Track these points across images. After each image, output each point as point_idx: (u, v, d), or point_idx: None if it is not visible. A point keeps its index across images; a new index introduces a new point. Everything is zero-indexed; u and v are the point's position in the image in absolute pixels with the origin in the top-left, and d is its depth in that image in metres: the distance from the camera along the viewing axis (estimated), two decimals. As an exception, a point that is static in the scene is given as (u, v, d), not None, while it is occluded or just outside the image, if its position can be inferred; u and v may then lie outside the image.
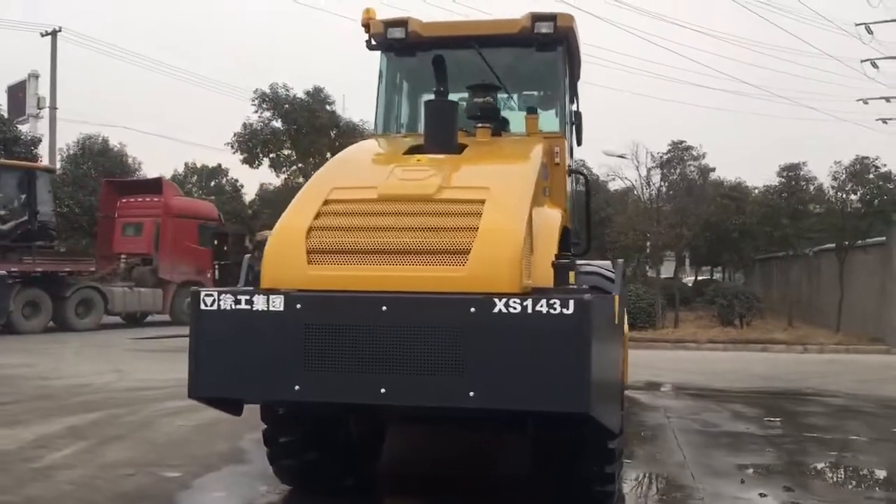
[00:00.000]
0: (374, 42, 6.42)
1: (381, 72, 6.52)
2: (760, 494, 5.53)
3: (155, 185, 23.40)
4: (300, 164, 26.54)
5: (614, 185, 27.26)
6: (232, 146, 25.96)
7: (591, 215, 6.98)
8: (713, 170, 24.25)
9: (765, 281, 29.13)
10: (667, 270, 30.38)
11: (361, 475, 5.55)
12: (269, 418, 4.97)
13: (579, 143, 7.05)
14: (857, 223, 18.36)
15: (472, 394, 3.64)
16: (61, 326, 19.44)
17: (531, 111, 6.10)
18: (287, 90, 25.90)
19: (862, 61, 33.26)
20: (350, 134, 25.93)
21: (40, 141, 29.82)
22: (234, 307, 3.89)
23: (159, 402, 8.93)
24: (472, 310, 3.65)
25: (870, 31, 32.69)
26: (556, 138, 6.04)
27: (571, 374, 3.54)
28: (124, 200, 23.26)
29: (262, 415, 4.97)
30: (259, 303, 3.86)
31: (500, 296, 3.64)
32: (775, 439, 7.49)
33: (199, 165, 41.04)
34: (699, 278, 34.65)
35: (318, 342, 3.78)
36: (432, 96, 5.20)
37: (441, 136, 4.90)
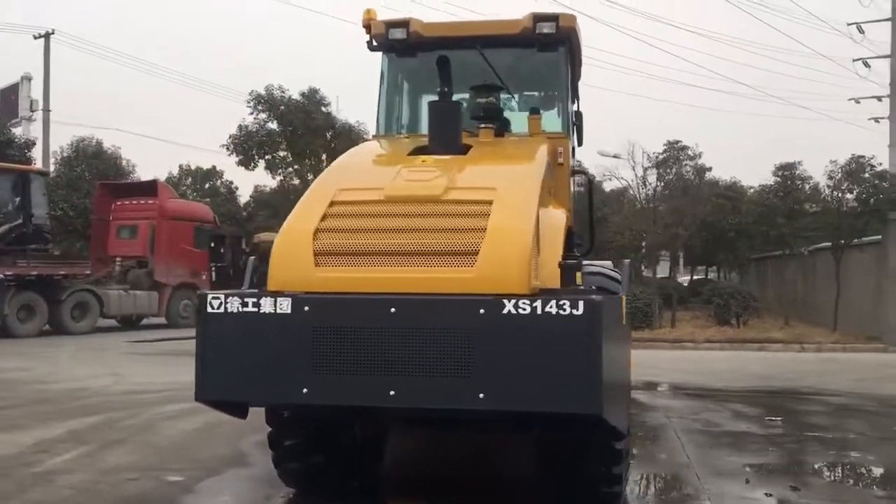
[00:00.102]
0: (375, 43, 6.40)
1: (382, 73, 6.50)
2: (766, 494, 5.52)
3: (150, 188, 23.31)
4: (296, 166, 26.47)
5: (610, 186, 27.30)
6: (227, 148, 25.90)
7: (594, 216, 6.96)
8: (709, 169, 24.33)
9: (760, 280, 29.18)
10: (661, 270, 30.42)
11: (366, 477, 5.53)
12: (274, 421, 4.94)
13: (580, 144, 7.04)
14: (853, 222, 18.38)
15: (481, 395, 3.62)
16: (56, 330, 19.36)
17: (534, 111, 6.08)
18: (282, 92, 25.84)
19: (854, 60, 33.45)
20: (346, 135, 25.89)
21: (34, 144, 29.75)
22: (241, 310, 3.86)
23: (159, 405, 8.89)
24: (482, 311, 3.63)
25: (861, 31, 32.86)
26: (559, 138, 6.02)
27: (583, 375, 3.52)
28: (119, 203, 23.16)
29: (266, 418, 4.94)
30: (266, 305, 3.84)
31: (510, 297, 3.63)
32: (777, 439, 7.49)
33: (193, 167, 40.95)
34: (694, 278, 34.69)
35: (327, 345, 3.75)
36: (434, 97, 5.18)
37: (446, 137, 4.88)
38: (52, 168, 29.37)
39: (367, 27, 6.34)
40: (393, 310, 3.71)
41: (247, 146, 25.68)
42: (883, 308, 17.29)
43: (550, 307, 3.56)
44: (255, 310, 3.85)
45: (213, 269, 15.34)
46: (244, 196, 37.35)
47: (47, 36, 32.66)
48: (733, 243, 25.43)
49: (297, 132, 25.38)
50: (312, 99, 25.99)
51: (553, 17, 6.03)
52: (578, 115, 6.86)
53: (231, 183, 39.35)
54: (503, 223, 3.95)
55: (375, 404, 3.84)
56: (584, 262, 5.18)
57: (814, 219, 20.12)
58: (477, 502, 5.46)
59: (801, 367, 13.83)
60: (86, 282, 20.53)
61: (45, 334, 18.94)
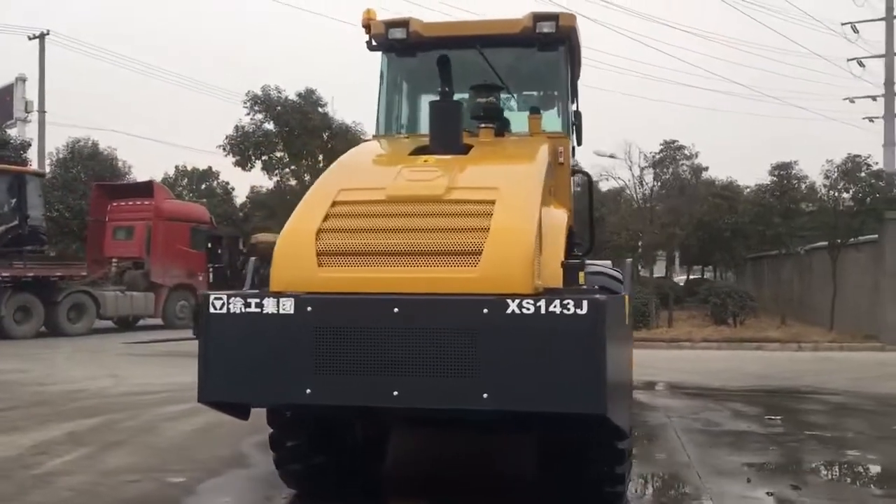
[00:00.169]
0: (374, 43, 6.38)
1: (381, 73, 6.48)
2: (768, 493, 5.52)
3: (146, 189, 23.28)
4: (293, 167, 26.43)
5: (607, 186, 27.33)
6: (224, 149, 25.85)
7: (593, 215, 6.96)
8: (706, 169, 24.37)
9: (756, 280, 29.22)
10: (657, 270, 30.47)
11: (368, 478, 5.52)
12: (276, 422, 4.93)
13: (579, 143, 7.04)
14: (849, 221, 18.42)
15: (485, 395, 3.62)
16: (53, 331, 19.32)
17: (534, 111, 6.08)
18: (279, 92, 25.81)
19: (848, 60, 33.59)
20: (343, 136, 25.86)
21: (29, 145, 29.70)
22: (243, 310, 3.85)
23: (158, 406, 8.87)
24: (485, 311, 3.62)
25: (856, 31, 33.03)
26: (559, 138, 6.01)
27: (587, 375, 3.52)
28: (115, 204, 23.12)
29: (268, 419, 4.93)
30: (269, 306, 3.83)
31: (513, 297, 3.62)
32: (777, 438, 7.50)
33: (189, 168, 40.91)
34: (691, 277, 34.74)
35: (330, 345, 3.75)
36: (434, 97, 5.17)
37: (446, 137, 4.87)
38: (47, 169, 29.33)
39: (367, 27, 6.32)
40: (396, 310, 3.71)
41: (243, 147, 25.64)
42: (880, 307, 17.32)
43: (554, 307, 3.56)
44: (258, 310, 3.84)
45: (211, 269, 15.27)
46: (240, 197, 37.37)
47: (42, 37, 32.61)
48: (729, 243, 25.48)
49: (294, 133, 25.35)
50: (309, 99, 25.97)
51: (553, 17, 6.02)
52: (577, 114, 6.86)
53: (227, 184, 39.39)
54: (506, 223, 3.95)
55: (379, 404, 3.83)
56: (586, 262, 5.18)
57: (810, 218, 20.16)
58: (479, 502, 5.46)
59: (798, 366, 13.85)
60: (82, 283, 20.49)
61: (41, 336, 18.90)
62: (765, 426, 8.09)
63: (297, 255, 4.04)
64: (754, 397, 10.17)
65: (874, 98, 33.02)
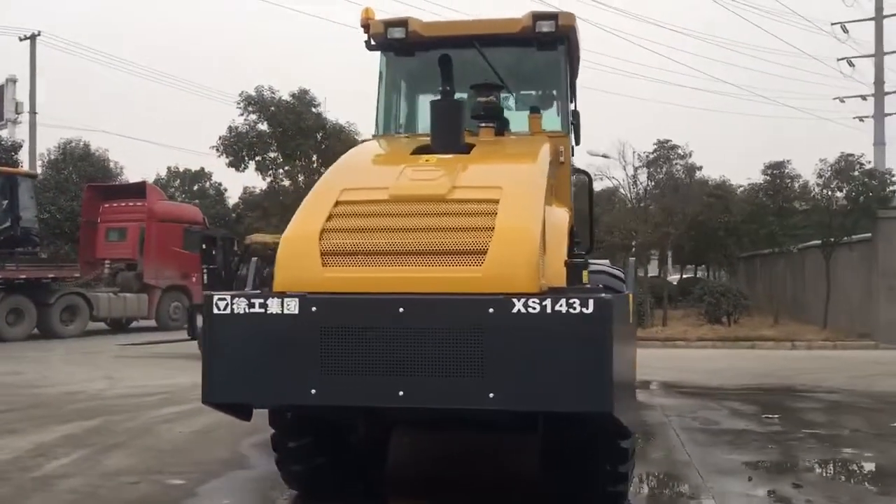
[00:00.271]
0: (373, 42, 6.36)
1: (381, 72, 6.45)
2: (769, 492, 5.54)
3: (138, 190, 23.17)
4: (286, 167, 26.35)
5: (600, 185, 27.31)
6: (217, 149, 25.76)
7: (593, 214, 6.96)
8: (700, 168, 24.40)
9: (749, 278, 29.31)
10: (650, 269, 30.50)
11: (370, 479, 5.50)
12: (278, 423, 4.90)
13: (577, 143, 7.03)
14: (842, 220, 18.50)
15: (491, 395, 3.60)
16: (45, 333, 19.22)
17: (534, 110, 6.07)
18: (272, 93, 25.74)
19: (838, 60, 33.74)
20: (336, 136, 25.80)
21: (20, 146, 29.52)
22: (247, 311, 3.82)
23: (155, 408, 8.84)
24: (491, 310, 3.61)
25: (845, 31, 33.15)
26: (560, 137, 6.01)
27: (593, 373, 3.51)
28: (107, 205, 23.02)
29: (270, 420, 4.90)
30: (273, 306, 3.80)
31: (519, 296, 3.60)
32: (776, 436, 7.51)
33: (181, 169, 40.72)
34: (684, 277, 34.80)
35: (335, 345, 3.72)
36: (433, 96, 5.14)
37: (448, 136, 4.85)
38: (38, 170, 29.14)
39: (366, 27, 6.29)
40: (401, 309, 3.69)
41: (237, 147, 25.54)
42: (873, 305, 17.41)
43: (560, 306, 3.55)
44: (262, 310, 3.81)
45: (205, 271, 15.18)
46: (233, 198, 37.21)
47: (33, 37, 32.42)
48: (723, 242, 25.54)
49: (288, 133, 25.27)
50: (303, 100, 25.89)
51: (553, 16, 6.01)
52: (576, 114, 6.85)
53: (220, 185, 39.20)
54: (511, 222, 3.93)
55: (384, 405, 3.81)
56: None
57: (804, 217, 20.23)
58: (481, 502, 5.45)
59: (793, 364, 13.90)
60: (75, 285, 20.40)
61: (33, 338, 18.80)
62: (763, 425, 8.11)
63: (300, 255, 4.02)
64: (751, 396, 10.19)
65: (864, 97, 33.18)
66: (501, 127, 5.73)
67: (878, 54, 31.97)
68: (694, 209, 22.83)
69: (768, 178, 20.81)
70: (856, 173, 18.73)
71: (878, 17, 31.97)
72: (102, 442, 7.03)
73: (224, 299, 3.86)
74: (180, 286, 22.37)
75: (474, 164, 4.64)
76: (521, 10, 6.12)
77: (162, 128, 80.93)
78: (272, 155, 26.14)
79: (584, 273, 4.38)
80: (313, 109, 26.04)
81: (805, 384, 11.32)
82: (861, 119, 33.71)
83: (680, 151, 22.61)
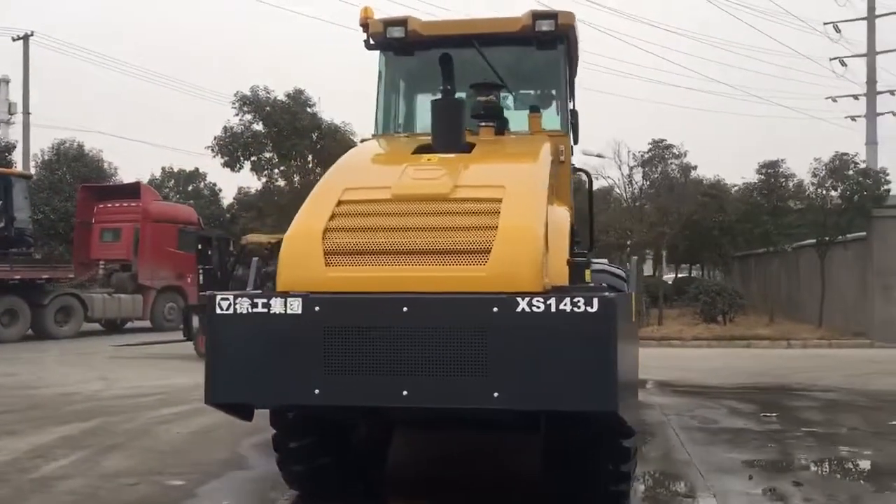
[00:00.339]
0: (372, 42, 6.34)
1: (380, 72, 6.44)
2: (770, 490, 5.55)
3: (133, 190, 23.09)
4: (282, 167, 26.28)
5: (595, 185, 27.31)
6: (213, 150, 25.66)
7: (593, 213, 6.95)
8: (695, 168, 24.42)
9: (743, 278, 29.38)
10: (645, 269, 30.54)
11: (370, 479, 5.48)
12: (279, 424, 4.89)
13: (576, 142, 7.03)
14: (837, 219, 18.55)
15: (496, 395, 3.60)
16: (40, 334, 19.14)
17: (534, 109, 6.07)
18: (268, 93, 25.66)
19: (831, 59, 33.86)
20: (331, 136, 25.74)
21: (14, 147, 29.40)
22: (250, 311, 3.81)
23: (153, 409, 8.81)
24: (495, 309, 3.60)
25: (838, 30, 33.28)
26: (560, 136, 6.01)
27: (598, 372, 3.51)
28: (102, 206, 22.91)
29: (271, 420, 4.89)
30: (276, 306, 3.79)
31: (523, 295, 3.60)
32: (775, 435, 7.52)
33: (175, 170, 40.63)
34: (678, 276, 34.88)
35: (338, 345, 3.71)
36: (432, 95, 5.13)
37: (449, 136, 4.85)
38: (32, 171, 29.04)
39: (365, 26, 6.28)
40: (405, 309, 3.68)
41: (232, 148, 25.45)
42: (868, 304, 17.46)
43: (565, 305, 3.54)
44: (266, 310, 3.80)
45: (201, 271, 15.15)
46: (227, 198, 37.15)
47: (26, 38, 32.30)
48: (718, 241, 25.59)
49: (283, 133, 25.20)
50: (298, 100, 25.81)
51: (552, 15, 6.01)
52: (574, 113, 6.85)
53: (214, 185, 39.13)
54: (515, 221, 3.93)
55: (389, 404, 3.81)
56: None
57: (799, 216, 20.27)
58: (483, 501, 5.44)
59: (789, 363, 13.93)
60: (69, 285, 20.33)
61: (27, 339, 18.73)
62: (761, 423, 8.13)
63: (304, 254, 4.00)
64: (748, 395, 10.21)
65: (856, 97, 33.30)
66: (501, 126, 5.73)
67: (870, 54, 32.11)
68: (689, 208, 22.86)
69: (763, 177, 20.85)
70: (850, 172, 18.77)
71: (870, 17, 32.11)
72: (100, 443, 7.00)
73: (227, 299, 3.84)
74: (175, 287, 22.31)
75: (476, 163, 4.64)
76: (516, 10, 6.12)
77: (156, 128, 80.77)
78: (267, 155, 26.05)
79: (587, 272, 4.38)
80: (308, 109, 25.97)
81: (801, 383, 11.34)
82: (853, 119, 33.85)
83: (675, 151, 22.64)
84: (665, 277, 33.02)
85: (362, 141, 6.03)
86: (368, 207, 4.17)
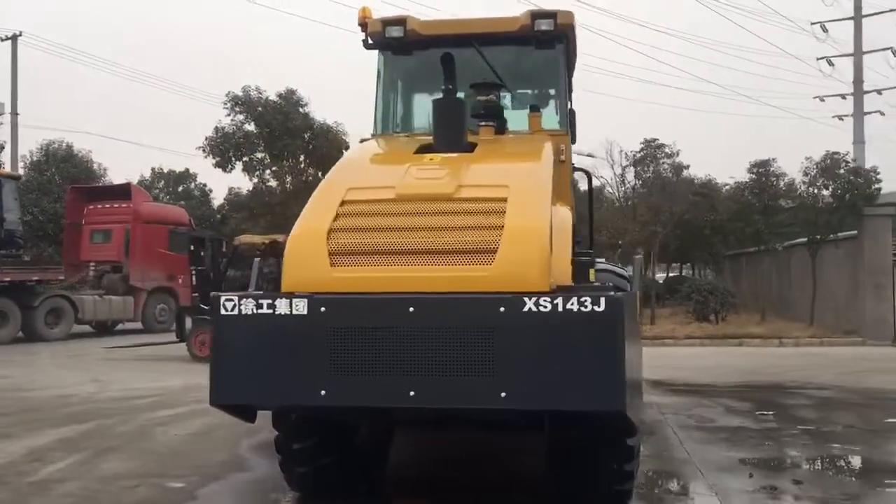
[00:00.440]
0: (371, 41, 6.33)
1: (379, 71, 6.42)
2: (771, 488, 5.57)
3: (123, 191, 22.95)
4: (274, 168, 26.19)
5: (586, 185, 27.36)
6: (204, 150, 25.56)
7: (593, 212, 6.95)
8: (687, 167, 24.52)
9: (734, 276, 29.47)
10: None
11: (373, 479, 5.47)
12: (282, 425, 4.86)
13: (573, 141, 7.03)
14: (828, 218, 18.64)
15: (503, 395, 3.59)
16: (30, 337, 18.98)
17: (534, 109, 6.06)
18: (259, 93, 25.58)
19: (818, 59, 34.05)
20: (324, 136, 25.68)
21: (2, 148, 29.19)
22: (255, 311, 3.79)
23: (149, 411, 8.77)
24: (502, 309, 3.60)
25: (825, 30, 33.46)
26: (560, 136, 6.00)
27: (606, 372, 3.51)
28: (92, 207, 22.75)
29: (273, 422, 4.87)
30: (282, 306, 3.77)
31: (530, 294, 3.59)
32: (772, 433, 7.55)
33: (165, 170, 40.48)
34: (670, 275, 34.98)
35: (344, 345, 3.70)
36: (431, 95, 5.12)
37: (451, 135, 4.84)
38: (20, 172, 28.81)
39: (363, 25, 6.26)
40: (411, 309, 3.67)
41: (223, 148, 25.36)
42: (860, 302, 17.56)
43: (572, 304, 3.54)
44: (270, 311, 3.78)
45: (193, 272, 15.08)
46: (218, 199, 37.02)
47: (14, 38, 32.07)
48: (709, 240, 25.68)
49: (275, 133, 25.12)
50: (290, 100, 25.74)
51: (551, 15, 6.00)
52: (571, 112, 6.85)
53: (205, 186, 38.99)
54: (520, 221, 3.92)
55: (395, 405, 3.80)
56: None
57: (790, 215, 20.36)
58: (485, 501, 5.43)
59: (782, 361, 13.99)
60: (60, 287, 20.19)
61: (18, 341, 18.58)
62: (758, 422, 8.16)
63: (308, 255, 3.99)
64: (743, 393, 10.25)
65: (843, 97, 33.49)
66: (501, 126, 5.73)
67: (857, 53, 32.31)
68: (681, 208, 22.94)
69: (754, 176, 20.93)
70: (841, 171, 18.88)
71: (857, 17, 32.30)
72: (98, 445, 6.96)
73: (231, 300, 3.82)
74: (166, 288, 22.22)
75: (479, 162, 4.63)
76: (506, 11, 6.12)
77: (146, 129, 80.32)
78: (259, 155, 25.97)
79: (591, 271, 4.38)
80: (300, 109, 25.90)
81: (795, 381, 11.39)
82: (840, 118, 34.04)
83: (667, 150, 22.73)
84: (656, 276, 33.12)
85: (362, 141, 5.99)
86: (373, 207, 4.15)
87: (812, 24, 33.66)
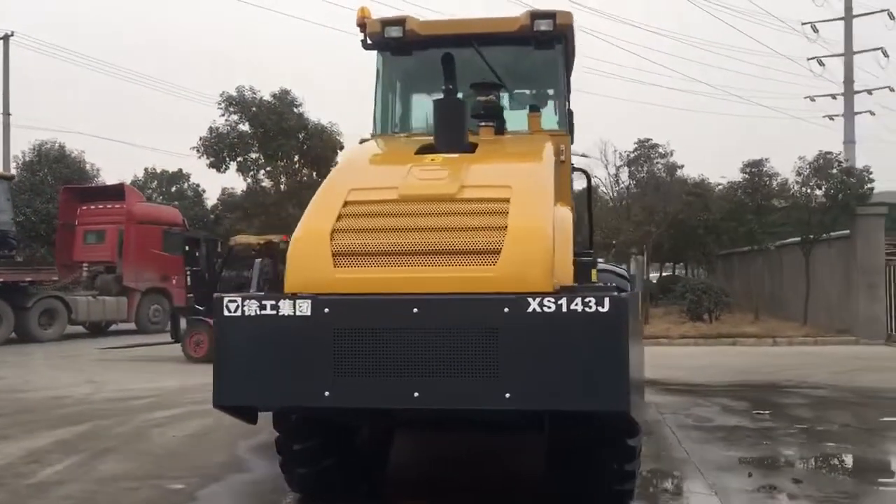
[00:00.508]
0: (369, 42, 6.32)
1: (377, 71, 6.41)
2: (771, 487, 5.59)
3: (117, 192, 22.87)
4: (268, 168, 26.15)
5: (581, 184, 27.41)
6: (198, 150, 25.49)
7: (592, 212, 6.96)
8: (681, 167, 24.57)
9: (726, 276, 29.55)
10: (630, 268, 30.65)
11: (373, 480, 5.46)
12: (283, 426, 4.85)
13: (571, 141, 7.04)
14: (821, 217, 18.72)
15: (507, 395, 3.59)
16: (24, 338, 18.88)
17: (534, 109, 6.06)
18: (254, 93, 25.53)
19: (808, 59, 34.20)
20: (318, 136, 25.65)
21: (-6, 149, 29.04)
22: (259, 313, 3.78)
23: (145, 412, 8.74)
24: (506, 310, 3.60)
25: (815, 30, 33.61)
26: (560, 136, 6.01)
27: (610, 373, 3.52)
28: (85, 207, 22.69)
29: (274, 423, 4.85)
30: (285, 308, 3.76)
31: (534, 295, 3.60)
32: (769, 432, 7.58)
33: (158, 171, 40.32)
34: (663, 275, 35.08)
35: (348, 347, 3.69)
36: (430, 95, 5.11)
37: (452, 135, 4.83)
38: (13, 173, 28.67)
39: (362, 26, 6.25)
40: (416, 310, 3.66)
41: (218, 148, 25.30)
42: (853, 301, 17.64)
43: (576, 304, 3.54)
44: (274, 312, 3.77)
45: (188, 272, 15.05)
46: (211, 199, 36.92)
47: (6, 38, 31.90)
48: (702, 240, 25.74)
49: (269, 133, 25.08)
50: (284, 100, 25.71)
51: (551, 15, 6.00)
52: (570, 112, 6.86)
53: (198, 186, 38.87)
54: (524, 221, 3.93)
55: (400, 406, 3.80)
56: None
57: (783, 214, 20.44)
58: (486, 502, 5.44)
59: (776, 360, 14.04)
60: (53, 288, 20.10)
61: (11, 342, 18.47)
62: (755, 421, 8.19)
63: (312, 255, 3.98)
64: (739, 392, 10.28)
65: (834, 97, 33.63)
66: (500, 126, 5.73)
67: (848, 53, 32.46)
68: (674, 207, 22.99)
69: (747, 176, 21.00)
70: (834, 171, 18.95)
71: (847, 17, 32.46)
72: (95, 447, 6.92)
73: (235, 301, 3.81)
74: (160, 289, 22.15)
75: (481, 163, 4.63)
76: (504, 12, 6.11)
77: (138, 129, 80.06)
78: (254, 156, 25.93)
79: (593, 271, 4.39)
80: (295, 110, 25.86)
81: (790, 380, 11.43)
82: (831, 118, 34.19)
83: (661, 150, 22.77)
84: (650, 276, 33.18)
85: (361, 141, 5.98)
86: (376, 208, 4.15)
87: (803, 24, 33.86)
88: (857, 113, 32.47)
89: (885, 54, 32.23)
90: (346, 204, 4.20)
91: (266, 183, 26.52)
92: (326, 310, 3.73)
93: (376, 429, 5.46)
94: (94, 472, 6.10)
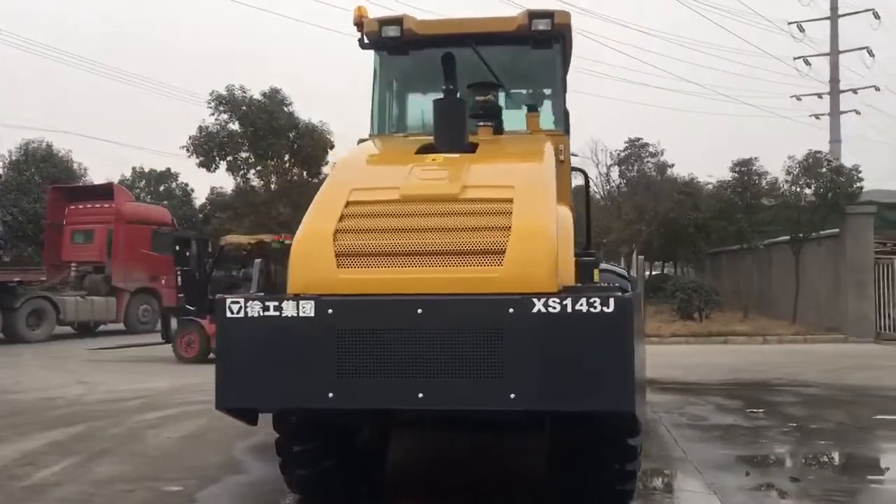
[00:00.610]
0: (367, 41, 6.29)
1: (375, 71, 6.38)
2: (769, 486, 5.61)
3: (105, 191, 22.73)
4: (258, 167, 26.03)
5: (576, 184, 27.48)
6: (187, 150, 25.35)
7: (590, 212, 6.96)
8: (671, 166, 24.67)
9: (715, 274, 29.69)
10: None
11: (373, 481, 5.44)
12: (283, 427, 4.82)
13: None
14: (811, 216, 18.83)
15: (512, 396, 3.58)
16: (11, 338, 18.73)
17: (532, 109, 6.05)
18: (244, 92, 25.41)
19: (795, 58, 34.38)
20: (309, 135, 25.55)
21: (-20, 147, 28.81)
22: (261, 314, 3.76)
23: (138, 413, 8.68)
24: (511, 310, 3.59)
25: (801, 29, 33.78)
26: (559, 136, 6.00)
27: (615, 373, 3.52)
28: (73, 207, 22.52)
29: (274, 424, 4.83)
30: (288, 309, 3.74)
31: (539, 295, 3.59)
32: (764, 431, 7.61)
33: (146, 170, 40.11)
34: (653, 273, 35.18)
35: (352, 348, 3.67)
36: (428, 95, 5.09)
37: (452, 135, 4.82)
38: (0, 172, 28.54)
39: (359, 25, 6.22)
40: (420, 311, 3.65)
41: (207, 147, 25.17)
42: (842, 300, 17.75)
43: (581, 305, 3.54)
44: (277, 314, 3.75)
45: (179, 273, 14.98)
46: (200, 198, 36.76)
47: (-8, 36, 31.68)
48: (692, 238, 25.85)
49: (260, 133, 24.96)
50: (274, 99, 25.60)
51: (548, 14, 6.00)
52: (566, 112, 6.85)
53: (186, 185, 38.71)
54: (528, 221, 3.92)
55: (404, 407, 3.78)
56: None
57: (772, 213, 20.54)
58: (487, 503, 5.43)
59: (767, 359, 14.11)
60: (41, 288, 19.95)
61: (-1, 343, 18.36)
62: (749, 419, 8.22)
63: (315, 256, 3.95)
64: (732, 391, 10.32)
65: (820, 96, 33.82)
66: (498, 126, 5.72)
67: (833, 53, 32.64)
68: (665, 206, 23.07)
69: (736, 175, 21.09)
70: (823, 170, 19.07)
71: (833, 17, 32.64)
72: (90, 449, 6.87)
73: (237, 302, 3.78)
74: (149, 289, 22.05)
75: (482, 163, 4.62)
76: (499, 11, 6.10)
77: (126, 128, 79.45)
78: (244, 155, 25.80)
79: (595, 272, 4.38)
80: (285, 109, 25.76)
81: (781, 378, 11.49)
82: (817, 117, 34.38)
83: (651, 149, 22.85)
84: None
85: (360, 141, 5.96)
86: (378, 208, 4.13)
87: (789, 23, 34.03)
88: (842, 112, 32.68)
89: (871, 54, 32.43)
90: (348, 204, 4.17)
91: (256, 182, 26.41)
92: (330, 311, 3.71)
93: (377, 430, 5.44)
94: (90, 474, 6.04)
